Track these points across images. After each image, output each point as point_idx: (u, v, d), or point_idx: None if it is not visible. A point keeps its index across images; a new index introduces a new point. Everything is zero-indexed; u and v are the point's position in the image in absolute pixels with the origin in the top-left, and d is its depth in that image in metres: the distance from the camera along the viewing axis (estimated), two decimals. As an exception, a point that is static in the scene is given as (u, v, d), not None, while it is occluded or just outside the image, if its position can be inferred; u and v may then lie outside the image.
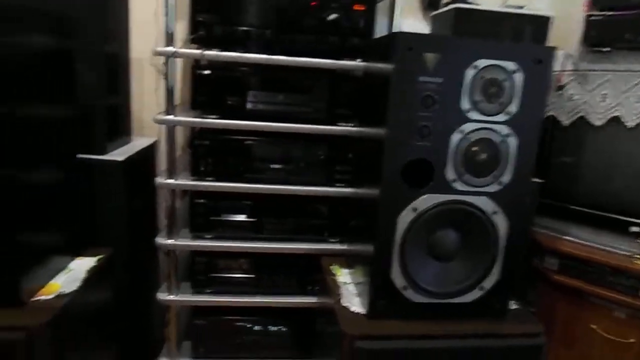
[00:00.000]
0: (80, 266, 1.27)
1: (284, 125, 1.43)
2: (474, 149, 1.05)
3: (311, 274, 1.59)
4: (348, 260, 1.46)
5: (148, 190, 1.76)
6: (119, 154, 1.49)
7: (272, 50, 1.41)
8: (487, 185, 1.07)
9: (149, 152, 1.71)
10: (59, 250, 1.24)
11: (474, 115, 1.04)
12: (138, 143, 1.67)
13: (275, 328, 1.64)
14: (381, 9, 1.53)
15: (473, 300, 1.11)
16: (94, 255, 1.33)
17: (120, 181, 1.47)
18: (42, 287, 1.12)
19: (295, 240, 1.56)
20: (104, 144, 1.46)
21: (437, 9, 1.69)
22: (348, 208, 1.55)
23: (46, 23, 1.14)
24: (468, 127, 1.04)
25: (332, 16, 1.40)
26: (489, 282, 1.11)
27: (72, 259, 1.30)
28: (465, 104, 1.03)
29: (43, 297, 1.07)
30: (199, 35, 1.35)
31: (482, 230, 1.09)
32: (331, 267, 1.40)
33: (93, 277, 1.23)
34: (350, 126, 1.49)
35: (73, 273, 1.22)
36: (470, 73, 1.01)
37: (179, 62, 1.74)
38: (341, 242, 1.56)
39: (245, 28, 1.39)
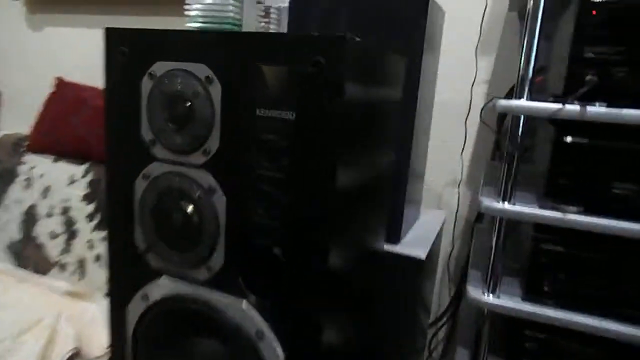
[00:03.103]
0: None
1: None
2: None
3: None
4: None
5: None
6: (416, 244, 0.95)
7: None
8: None
9: (439, 234, 1.15)
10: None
11: None
12: (427, 220, 1.12)
13: None
14: None
15: None
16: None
17: (417, 284, 0.93)
18: None
19: None
20: (399, 230, 0.94)
21: None
22: None
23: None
24: None
25: None
26: None
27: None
28: None
29: None
30: (591, 80, 0.73)
31: None
32: None
33: None
34: None
35: None
36: None
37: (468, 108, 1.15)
38: None
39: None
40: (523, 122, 0.82)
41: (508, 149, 0.84)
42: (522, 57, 0.81)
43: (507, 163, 0.85)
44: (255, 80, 0.49)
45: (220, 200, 0.54)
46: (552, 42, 0.97)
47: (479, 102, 1.12)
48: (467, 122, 1.10)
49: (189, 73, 0.53)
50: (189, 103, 0.53)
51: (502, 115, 1.19)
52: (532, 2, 0.80)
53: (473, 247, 1.14)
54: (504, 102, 0.83)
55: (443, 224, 1.15)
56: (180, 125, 0.54)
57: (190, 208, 0.55)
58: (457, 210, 1.15)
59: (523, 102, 0.80)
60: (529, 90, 0.81)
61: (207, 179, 0.54)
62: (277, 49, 0.48)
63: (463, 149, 1.11)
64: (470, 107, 1.09)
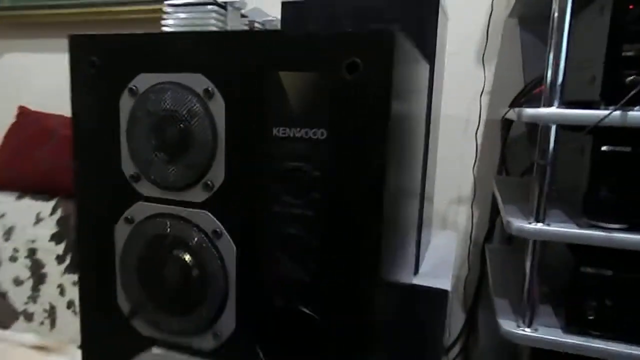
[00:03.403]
0: None
1: None
2: None
3: None
4: None
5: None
6: (437, 274, 0.83)
7: None
8: None
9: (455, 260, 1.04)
10: None
11: None
12: (439, 243, 1.01)
13: None
14: None
15: None
16: None
17: (442, 317, 0.82)
18: None
19: None
20: (418, 258, 0.83)
21: None
22: None
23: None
24: None
25: None
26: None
27: None
28: None
29: None
30: (635, 80, 0.64)
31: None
32: None
33: None
34: None
35: None
36: None
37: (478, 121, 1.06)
38: None
39: None
40: (555, 132, 0.73)
41: (539, 163, 0.75)
42: (550, 62, 0.72)
43: (538, 178, 0.75)
44: (270, 92, 0.38)
45: (228, 248, 0.41)
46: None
47: (482, 114, 1.03)
48: (477, 134, 1.01)
49: (182, 86, 0.41)
50: (183, 125, 0.41)
51: (507, 127, 1.11)
52: (558, 1, 0.71)
53: (490, 271, 1.04)
54: (530, 111, 0.73)
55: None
56: (173, 154, 0.42)
57: (188, 258, 0.42)
58: (471, 232, 1.05)
59: (558, 110, 0.70)
60: (560, 96, 0.72)
61: (209, 221, 0.42)
62: (300, 51, 0.36)
63: (475, 164, 1.02)
64: (480, 119, 1.00)
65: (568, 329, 0.76)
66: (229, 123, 0.40)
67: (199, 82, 0.40)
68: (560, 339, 0.75)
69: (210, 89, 0.40)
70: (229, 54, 0.39)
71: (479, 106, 1.01)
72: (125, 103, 0.43)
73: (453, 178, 1.08)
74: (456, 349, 1.18)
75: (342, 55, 0.34)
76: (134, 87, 0.43)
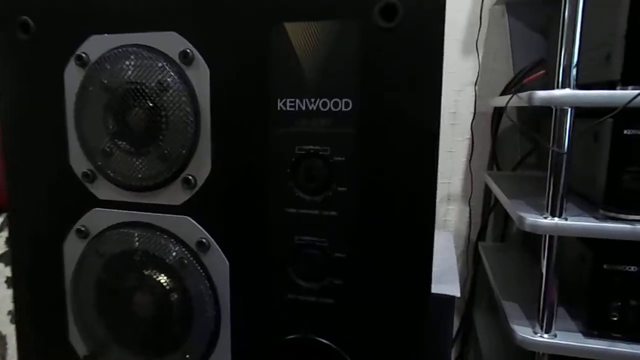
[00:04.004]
0: None
1: None
2: None
3: None
4: None
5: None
6: (442, 279, 0.74)
7: None
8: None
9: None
10: None
11: None
12: (436, 245, 0.94)
13: None
14: None
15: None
16: None
17: (449, 325, 0.73)
18: None
19: None
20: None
21: None
22: None
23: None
24: None
25: None
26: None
27: None
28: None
29: None
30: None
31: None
32: None
33: None
34: None
35: None
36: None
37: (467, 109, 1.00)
38: None
39: None
40: (572, 117, 0.65)
41: (554, 152, 0.67)
42: (564, 41, 0.64)
43: (554, 169, 0.67)
44: (272, 51, 0.27)
45: (218, 264, 0.31)
46: (551, 33, 0.85)
47: (467, 105, 0.97)
48: (471, 126, 0.94)
49: (149, 50, 0.30)
50: (152, 102, 0.30)
51: (497, 120, 1.04)
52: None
53: (490, 271, 0.97)
54: (543, 94, 0.65)
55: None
56: (139, 141, 0.31)
57: (164, 281, 0.31)
58: (469, 231, 0.98)
59: (576, 92, 0.63)
60: (576, 78, 0.65)
61: (192, 229, 0.31)
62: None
63: (471, 157, 0.94)
64: (475, 109, 0.93)
65: (589, 332, 0.68)
66: (215, 96, 0.29)
67: (172, 42, 0.29)
68: (583, 345, 0.67)
69: (188, 51, 0.29)
70: (213, 3, 0.28)
71: (467, 96, 0.95)
72: (72, 76, 0.32)
73: (441, 174, 1.01)
74: (452, 356, 1.10)
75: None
76: (83, 55, 0.31)
